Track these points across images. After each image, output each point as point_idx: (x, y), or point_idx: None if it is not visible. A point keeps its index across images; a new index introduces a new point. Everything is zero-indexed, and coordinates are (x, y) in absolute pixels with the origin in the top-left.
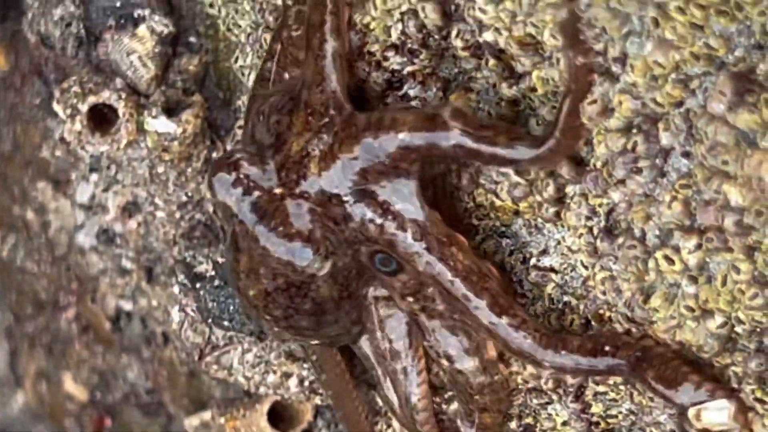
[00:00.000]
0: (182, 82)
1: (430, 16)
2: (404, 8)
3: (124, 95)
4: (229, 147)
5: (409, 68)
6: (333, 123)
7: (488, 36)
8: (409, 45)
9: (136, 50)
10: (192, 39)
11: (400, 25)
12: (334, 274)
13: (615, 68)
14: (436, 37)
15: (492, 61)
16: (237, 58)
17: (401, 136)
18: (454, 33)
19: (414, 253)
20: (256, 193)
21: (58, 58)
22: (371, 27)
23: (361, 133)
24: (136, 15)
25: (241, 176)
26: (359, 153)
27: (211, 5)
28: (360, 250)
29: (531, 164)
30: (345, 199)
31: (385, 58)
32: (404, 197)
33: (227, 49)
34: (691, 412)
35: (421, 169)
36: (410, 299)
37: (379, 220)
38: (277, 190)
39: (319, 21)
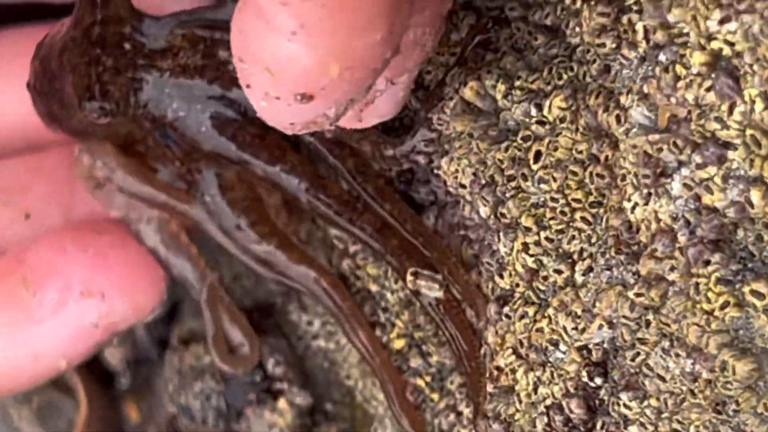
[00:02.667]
0: None
1: (575, 411)
2: (549, 402)
3: None
4: None
5: None
6: None
7: (633, 430)
8: None
9: (276, 424)
10: (328, 407)
11: (545, 418)
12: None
13: None
14: (581, 429)
15: None
16: (375, 429)
17: None
18: (599, 425)
19: None
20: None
21: (198, 428)
22: (516, 418)
23: None
24: (275, 389)
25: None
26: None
27: (348, 377)
28: (144, 125)
29: None
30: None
31: None
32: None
33: (364, 417)
34: (411, 270)
35: None
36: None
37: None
38: (127, 45)
39: None
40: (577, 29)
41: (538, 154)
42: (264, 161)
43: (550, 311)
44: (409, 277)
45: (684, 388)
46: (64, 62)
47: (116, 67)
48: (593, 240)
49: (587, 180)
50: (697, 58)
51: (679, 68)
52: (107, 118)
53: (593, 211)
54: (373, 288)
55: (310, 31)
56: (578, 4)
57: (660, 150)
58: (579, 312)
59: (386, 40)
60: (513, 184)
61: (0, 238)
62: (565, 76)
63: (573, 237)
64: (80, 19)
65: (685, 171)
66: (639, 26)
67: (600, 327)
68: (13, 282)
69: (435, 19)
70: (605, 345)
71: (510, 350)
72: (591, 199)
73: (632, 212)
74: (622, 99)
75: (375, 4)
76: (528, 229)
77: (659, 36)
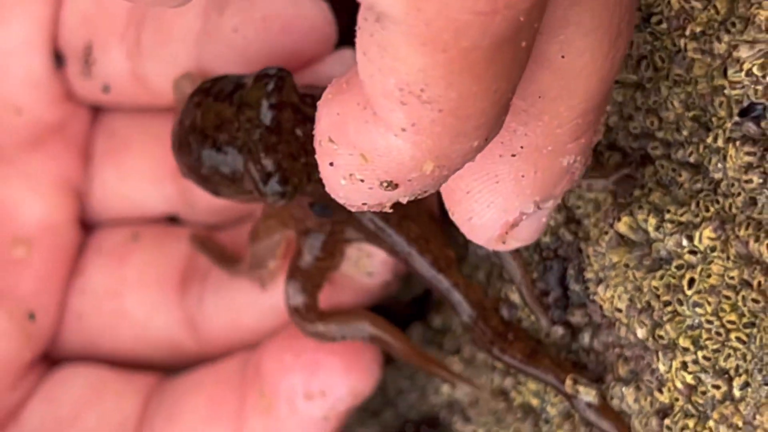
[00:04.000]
0: None
1: None
2: None
3: None
4: None
5: None
6: None
7: None
8: None
9: None
10: None
11: None
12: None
13: None
14: None
15: None
16: None
17: None
18: None
19: None
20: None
21: None
22: None
23: None
24: None
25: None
26: None
27: None
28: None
29: None
30: None
31: None
32: None
33: None
34: (571, 375)
35: None
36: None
37: None
38: (299, 132)
39: None
40: (720, 165)
41: (691, 281)
42: (429, 262)
43: (711, 423)
44: (568, 381)
45: None
46: (240, 145)
47: (291, 154)
48: (748, 357)
49: (740, 303)
50: None
51: None
52: (283, 201)
53: (747, 331)
54: (534, 402)
55: (420, 130)
56: (720, 143)
57: None
58: (740, 424)
59: (480, 147)
60: (669, 308)
61: None
62: (711, 209)
63: (729, 355)
64: (256, 102)
65: None
66: None
67: None
68: (256, 392)
69: (587, 148)
70: None
71: None
72: (744, 320)
73: None
74: None
75: (483, 114)
76: (686, 349)
77: None
